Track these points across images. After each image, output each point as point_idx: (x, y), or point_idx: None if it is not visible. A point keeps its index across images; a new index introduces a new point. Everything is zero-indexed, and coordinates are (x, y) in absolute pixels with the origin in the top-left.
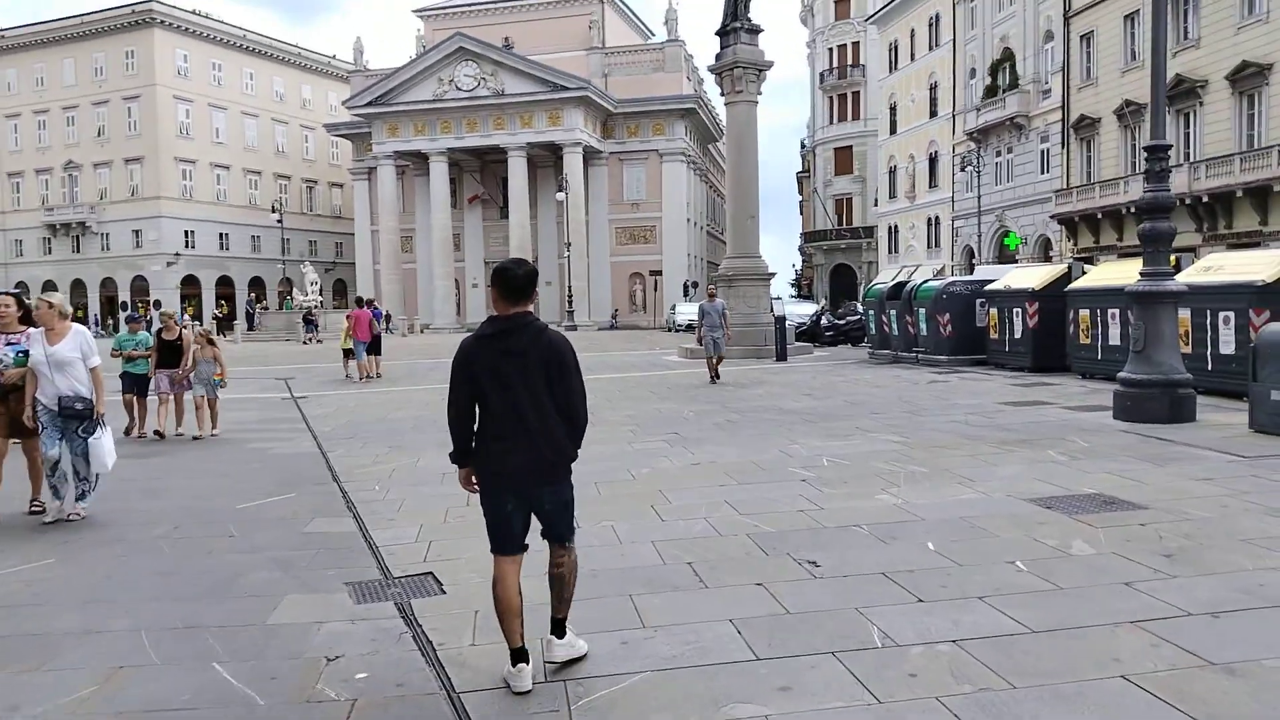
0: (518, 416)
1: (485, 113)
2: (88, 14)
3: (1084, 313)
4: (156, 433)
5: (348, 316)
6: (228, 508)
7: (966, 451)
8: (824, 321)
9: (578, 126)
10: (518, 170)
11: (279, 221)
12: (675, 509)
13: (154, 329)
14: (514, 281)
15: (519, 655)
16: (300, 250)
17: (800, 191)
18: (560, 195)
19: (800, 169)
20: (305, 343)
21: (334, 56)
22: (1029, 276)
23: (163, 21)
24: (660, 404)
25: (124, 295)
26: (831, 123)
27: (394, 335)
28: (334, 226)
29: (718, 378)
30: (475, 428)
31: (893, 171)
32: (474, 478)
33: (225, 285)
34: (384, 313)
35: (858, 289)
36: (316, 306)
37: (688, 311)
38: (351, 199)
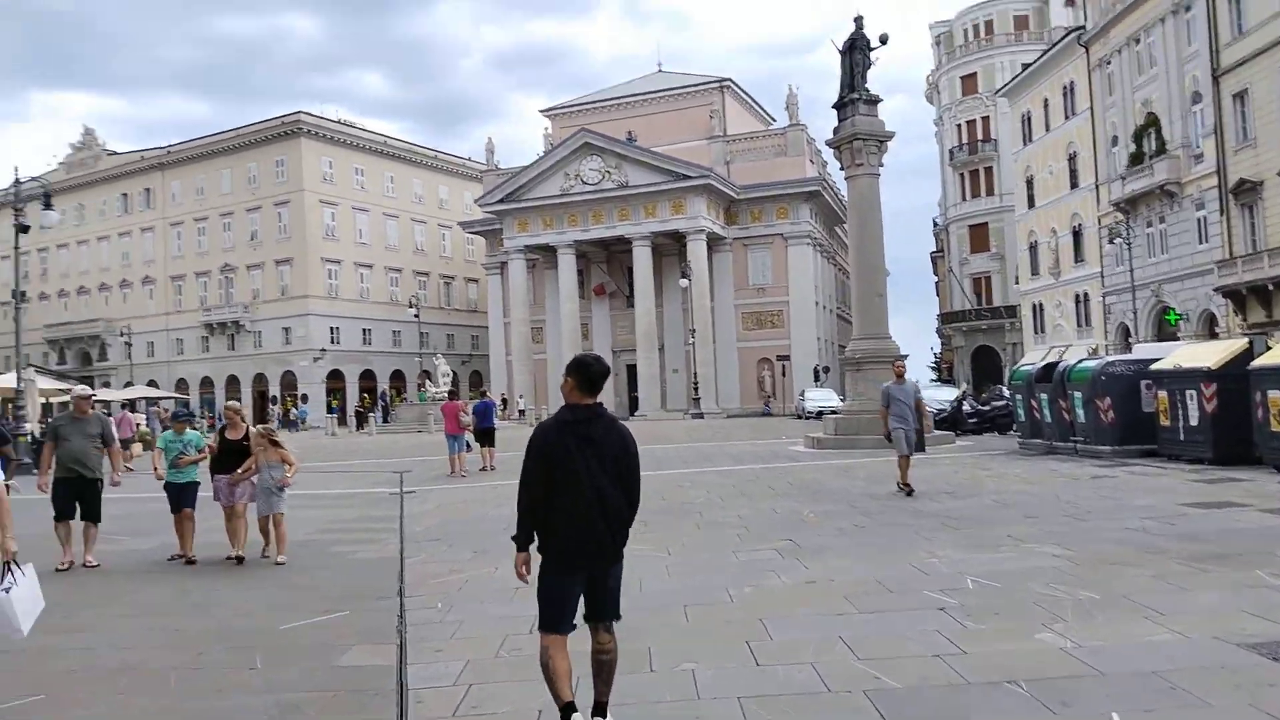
0: (592, 499)
1: (610, 204)
2: (243, 127)
3: (1275, 395)
4: (235, 558)
5: (442, 409)
6: (270, 629)
7: (1149, 570)
8: (966, 407)
9: (701, 214)
10: (642, 259)
11: (416, 316)
12: (776, 648)
13: (218, 427)
14: (593, 375)
15: (569, 710)
16: (437, 343)
17: (935, 271)
18: (684, 282)
19: (934, 249)
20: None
21: (469, 158)
22: (1203, 354)
23: (309, 131)
24: (778, 502)
25: (274, 390)
26: (964, 199)
27: (522, 424)
28: (470, 320)
29: (909, 488)
30: (548, 513)
31: (1033, 247)
32: (528, 565)
33: (368, 379)
34: (495, 402)
35: (1002, 372)
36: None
37: (818, 398)
38: (485, 293)
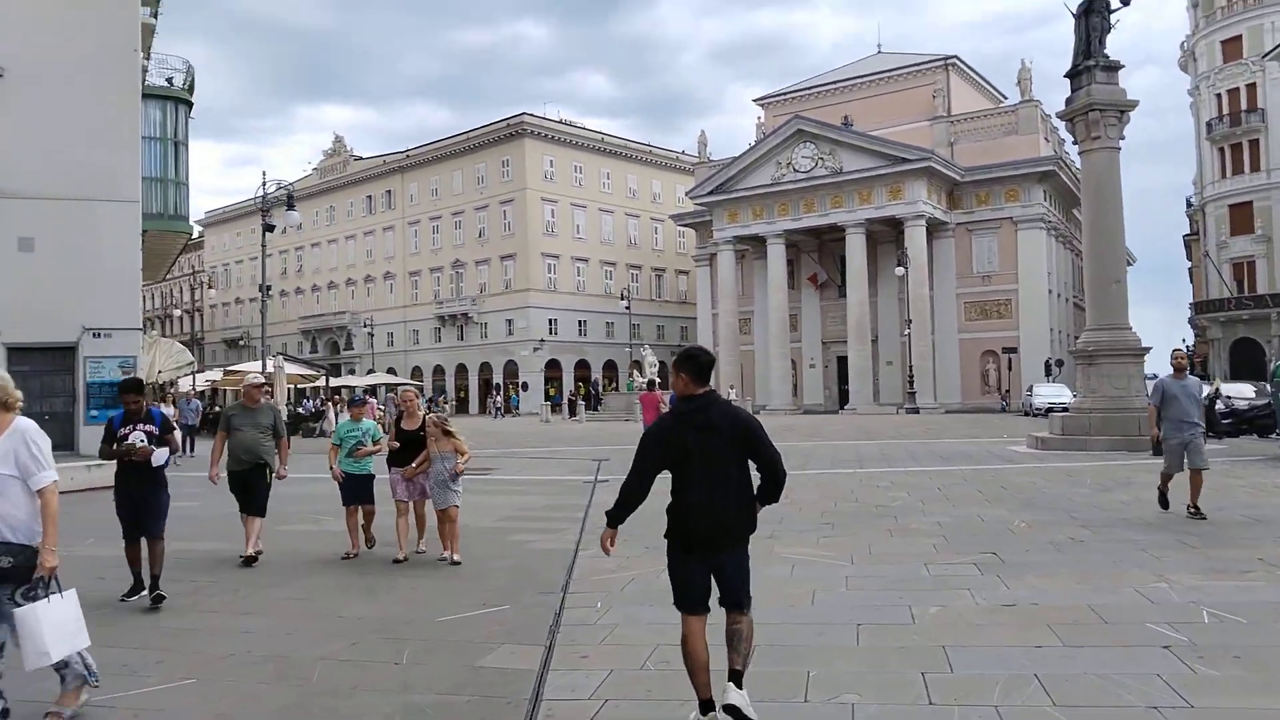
0: (709, 485)
1: (823, 192)
2: (472, 130)
3: None
4: (396, 560)
5: (640, 400)
6: (426, 621)
7: None
8: (1220, 406)
9: (920, 198)
10: (856, 247)
11: (626, 308)
12: (956, 683)
13: (392, 415)
14: (702, 365)
15: (707, 707)
16: (647, 335)
17: (1189, 257)
18: (899, 270)
19: (1187, 232)
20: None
21: (682, 152)
22: None
23: (532, 132)
24: (985, 509)
25: (497, 378)
26: (1223, 176)
27: None
28: (680, 311)
29: (1198, 510)
30: (670, 499)
31: None
32: (613, 541)
33: (582, 368)
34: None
35: (1265, 367)
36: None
37: (1047, 393)
38: (695, 285)
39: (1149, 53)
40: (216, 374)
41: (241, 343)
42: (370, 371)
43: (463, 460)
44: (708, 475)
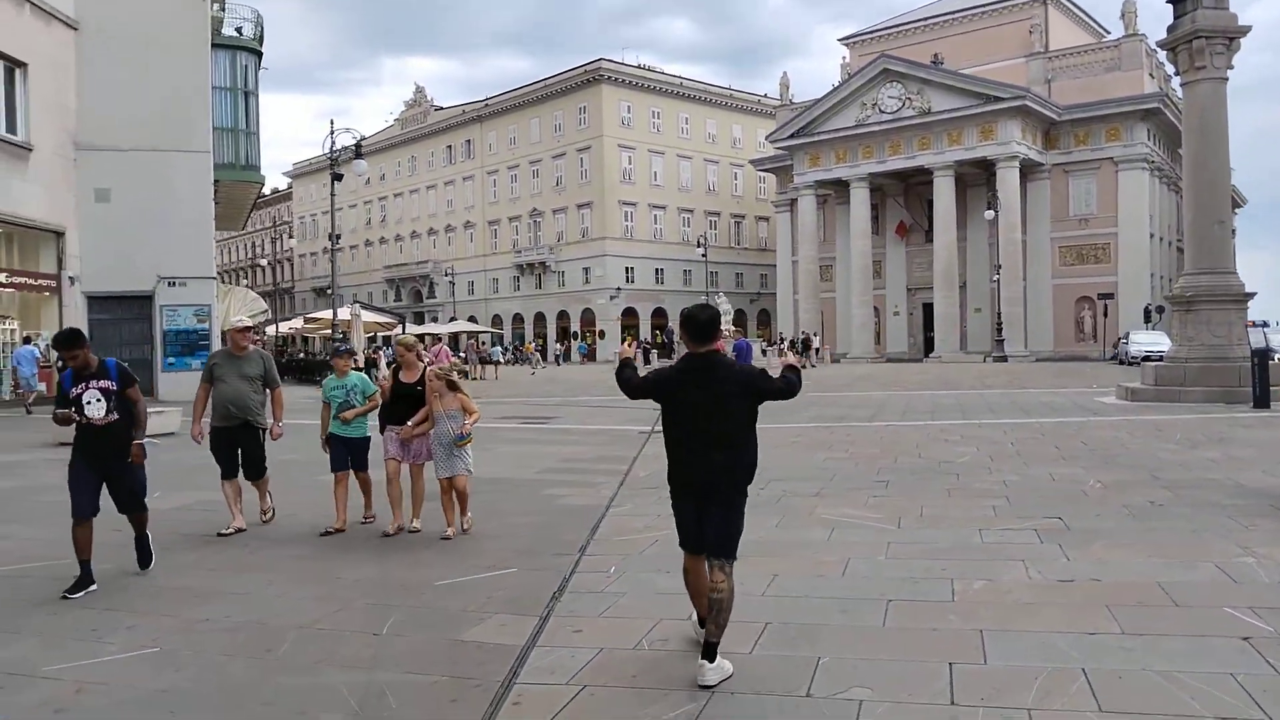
0: (701, 441)
1: (910, 134)
2: (550, 78)
3: None
4: (386, 534)
5: None
6: (424, 585)
7: None
8: None
9: (1014, 139)
10: (944, 190)
11: (703, 256)
12: (986, 678)
13: (390, 365)
14: (700, 325)
15: (709, 650)
16: (726, 282)
17: None
18: (990, 213)
19: None
20: None
21: (764, 95)
22: None
23: (609, 78)
24: (1058, 467)
25: (574, 326)
26: None
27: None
28: (759, 259)
29: None
30: (667, 448)
31: None
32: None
33: (659, 316)
34: (749, 343)
35: None
36: (728, 335)
37: (1144, 341)
38: (775, 232)
39: None
40: (298, 322)
41: (329, 291)
42: (452, 319)
43: (470, 420)
44: (701, 431)
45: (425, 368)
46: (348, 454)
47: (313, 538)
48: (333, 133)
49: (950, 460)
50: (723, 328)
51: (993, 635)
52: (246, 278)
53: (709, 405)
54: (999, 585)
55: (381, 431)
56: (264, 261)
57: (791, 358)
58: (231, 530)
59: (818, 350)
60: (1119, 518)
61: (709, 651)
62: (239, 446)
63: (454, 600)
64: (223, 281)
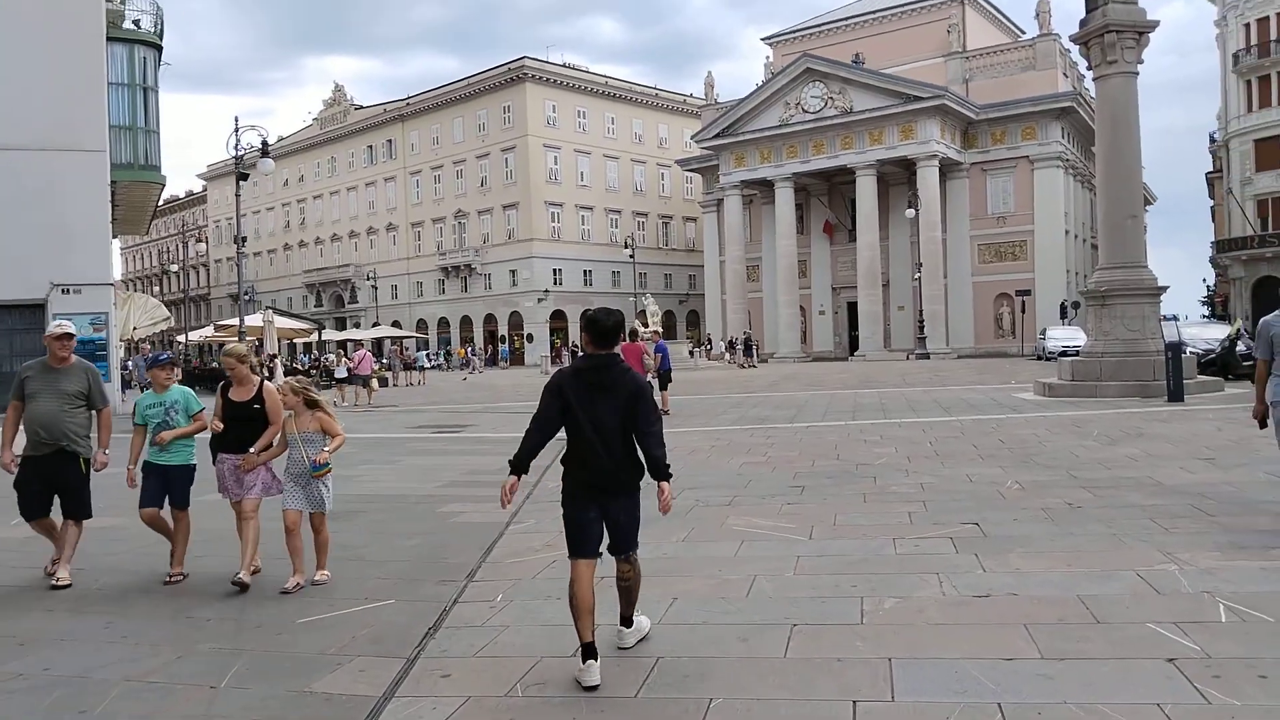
0: (598, 438)
1: (832, 133)
2: (472, 76)
3: None
4: (237, 583)
5: (623, 350)
6: (283, 624)
7: None
8: (1241, 347)
9: (933, 138)
10: (866, 190)
11: (631, 257)
12: (894, 717)
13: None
14: (603, 330)
15: (589, 651)
16: (655, 284)
17: (1211, 195)
18: (910, 212)
19: (1210, 169)
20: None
21: (690, 95)
22: None
23: (534, 76)
24: (976, 467)
25: (503, 329)
26: (1250, 110)
27: (724, 367)
28: (687, 260)
29: None
30: (565, 451)
31: None
32: (514, 490)
33: None
34: (666, 345)
35: None
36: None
37: (1061, 337)
38: (703, 232)
39: None
40: (209, 330)
41: (247, 297)
42: (375, 324)
43: (332, 445)
44: (598, 429)
45: (263, 382)
46: (165, 486)
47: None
48: (237, 130)
49: (868, 462)
50: (650, 328)
51: (902, 664)
52: (157, 285)
53: (605, 405)
54: (911, 603)
55: (214, 461)
56: (174, 267)
57: (667, 496)
58: (53, 570)
59: (754, 350)
60: (1037, 522)
61: (626, 622)
62: (53, 479)
63: (314, 641)
64: (131, 289)
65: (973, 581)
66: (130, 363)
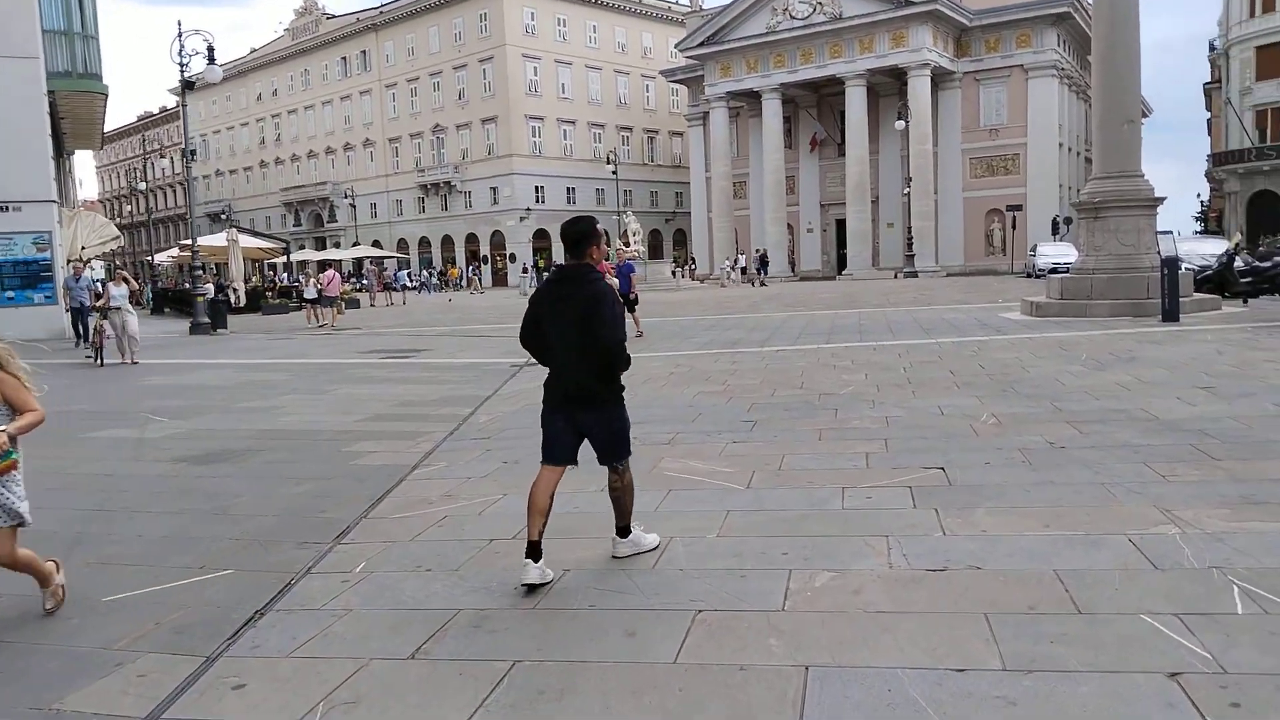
0: (564, 350)
1: (821, 41)
2: None
3: None
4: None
5: None
6: (87, 599)
7: None
8: (1239, 264)
9: (925, 45)
10: (855, 101)
11: (614, 173)
12: None
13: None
14: (568, 237)
15: (532, 550)
16: (640, 201)
17: (1208, 107)
18: (900, 123)
19: (1208, 79)
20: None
21: (675, 1)
22: None
23: None
24: (950, 397)
25: (484, 249)
26: (1251, 16)
27: (685, 287)
28: (674, 176)
29: None
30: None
31: None
32: None
33: None
34: (634, 265)
35: None
36: (634, 257)
37: (1051, 253)
38: (689, 147)
39: None
40: (174, 250)
41: (224, 216)
42: (355, 244)
43: (16, 424)
44: (564, 340)
45: None
46: None
47: None
48: (180, 35)
49: (832, 392)
50: (632, 247)
51: (821, 676)
52: (129, 204)
53: (573, 314)
54: (849, 579)
55: None
56: (142, 185)
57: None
58: None
59: (760, 269)
60: (1012, 466)
61: (622, 532)
62: None
63: (104, 629)
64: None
65: (928, 548)
66: (75, 283)
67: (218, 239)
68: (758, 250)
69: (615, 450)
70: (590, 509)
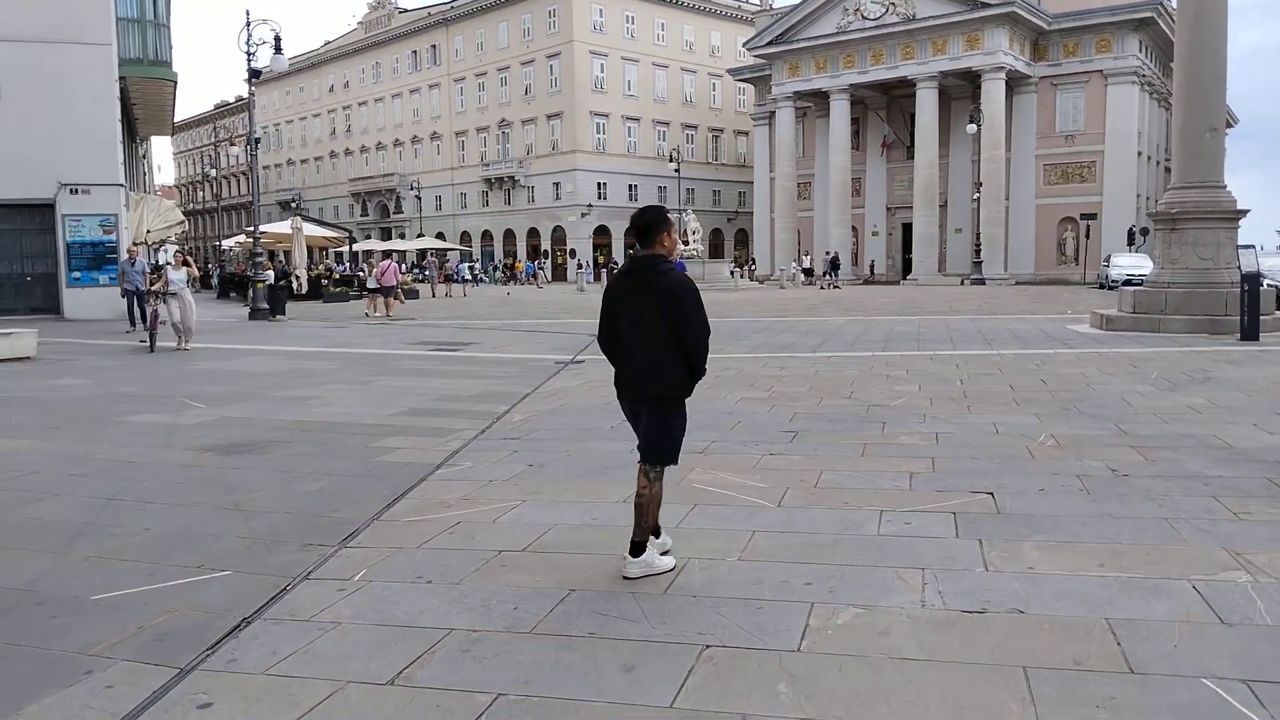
0: (632, 342)
1: (893, 42)
2: None
3: None
4: None
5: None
6: (78, 597)
7: None
8: None
9: (1000, 48)
10: (927, 103)
11: (676, 171)
12: None
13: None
14: (638, 226)
15: (655, 531)
16: (703, 199)
17: None
18: (971, 127)
19: None
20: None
21: (745, 0)
22: None
23: None
24: (1007, 414)
25: (545, 244)
26: None
27: (768, 287)
28: (738, 175)
29: None
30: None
31: None
32: None
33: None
34: (684, 264)
35: None
36: (693, 256)
37: (1126, 264)
38: (754, 146)
39: None
40: (241, 236)
41: (294, 205)
42: (420, 236)
43: None
44: (631, 333)
45: None
46: None
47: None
48: (249, 24)
49: (883, 404)
50: (691, 246)
51: None
52: (202, 190)
53: (640, 309)
54: (875, 618)
55: None
56: (212, 172)
57: None
58: None
59: (831, 271)
60: (1069, 494)
61: (635, 550)
62: None
63: (85, 630)
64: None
65: (968, 586)
66: (130, 266)
67: (282, 226)
68: (828, 253)
69: (661, 452)
70: (609, 522)
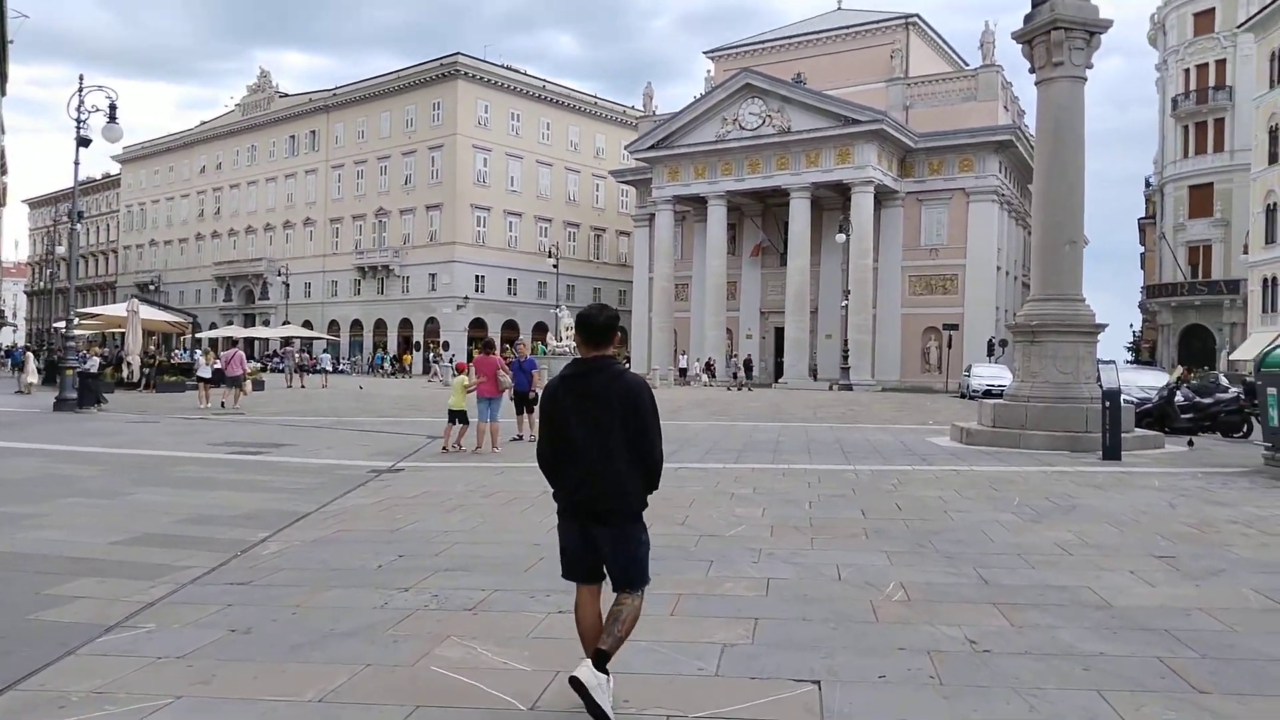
0: (586, 454)
1: (769, 152)
2: (404, 69)
3: None
4: None
5: (467, 365)
6: None
7: None
8: (1180, 398)
9: (870, 163)
10: (800, 212)
11: (555, 267)
12: None
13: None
14: (594, 327)
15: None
16: (584, 296)
17: (1142, 241)
18: (841, 237)
19: (1143, 214)
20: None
21: (630, 106)
22: None
23: (466, 73)
24: (854, 553)
25: (418, 336)
26: (1185, 156)
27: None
28: (619, 274)
29: None
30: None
31: (1271, 210)
32: None
33: (511, 329)
34: (536, 361)
35: (1215, 356)
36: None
37: (986, 375)
38: (635, 247)
39: (1113, 41)
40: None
41: (153, 287)
42: (285, 323)
43: None
44: (595, 440)
45: None
46: None
47: None
48: (81, 90)
49: (717, 533)
50: (565, 342)
51: None
52: (49, 269)
53: (592, 416)
54: None
55: None
56: (61, 249)
57: None
58: None
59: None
60: (915, 685)
61: (596, 657)
62: None
63: None
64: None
65: None
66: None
67: (118, 309)
68: (733, 356)
69: (633, 576)
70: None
